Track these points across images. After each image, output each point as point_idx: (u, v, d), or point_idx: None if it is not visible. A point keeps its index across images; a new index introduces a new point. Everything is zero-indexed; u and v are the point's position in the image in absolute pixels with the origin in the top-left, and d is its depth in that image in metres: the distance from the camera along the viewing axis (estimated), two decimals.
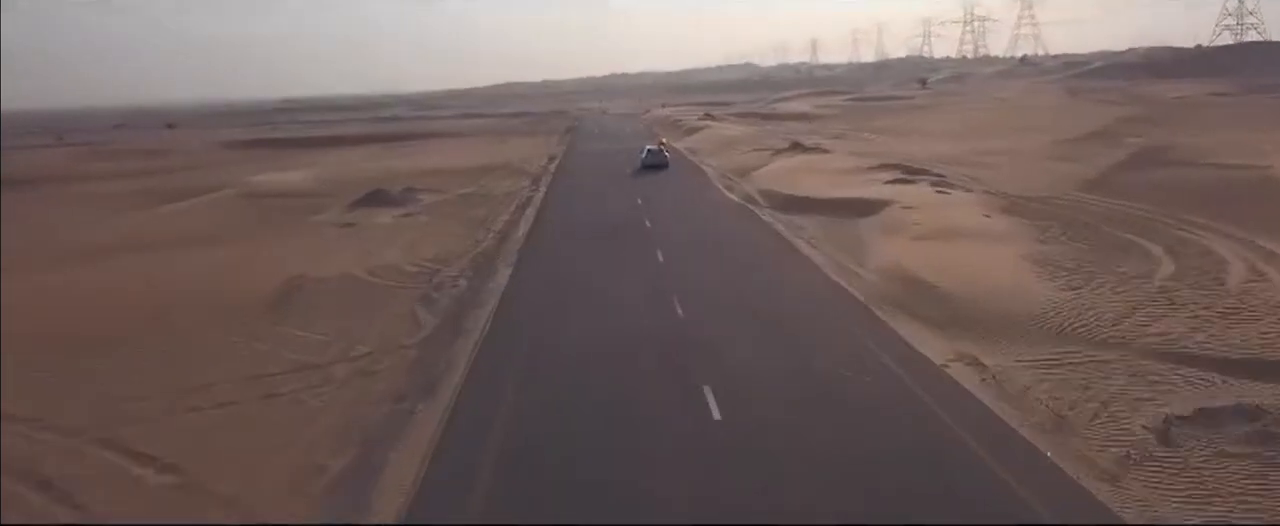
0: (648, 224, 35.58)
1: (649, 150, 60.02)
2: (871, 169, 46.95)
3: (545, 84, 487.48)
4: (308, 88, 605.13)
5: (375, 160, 71.79)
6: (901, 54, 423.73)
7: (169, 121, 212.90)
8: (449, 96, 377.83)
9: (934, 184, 40.40)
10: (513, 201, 44.90)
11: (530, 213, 40.96)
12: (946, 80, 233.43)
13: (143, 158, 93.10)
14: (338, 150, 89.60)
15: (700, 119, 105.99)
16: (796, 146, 60.42)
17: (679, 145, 77.46)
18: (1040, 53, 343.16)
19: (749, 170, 51.78)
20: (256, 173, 67.29)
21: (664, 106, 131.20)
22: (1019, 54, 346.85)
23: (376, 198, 45.80)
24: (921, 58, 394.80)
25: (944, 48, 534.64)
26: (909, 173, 44.05)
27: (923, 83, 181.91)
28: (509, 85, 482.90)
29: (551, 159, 69.53)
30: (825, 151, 57.86)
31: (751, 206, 39.78)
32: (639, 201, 42.11)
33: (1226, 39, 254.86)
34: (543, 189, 50.31)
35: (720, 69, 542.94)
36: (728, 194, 44.87)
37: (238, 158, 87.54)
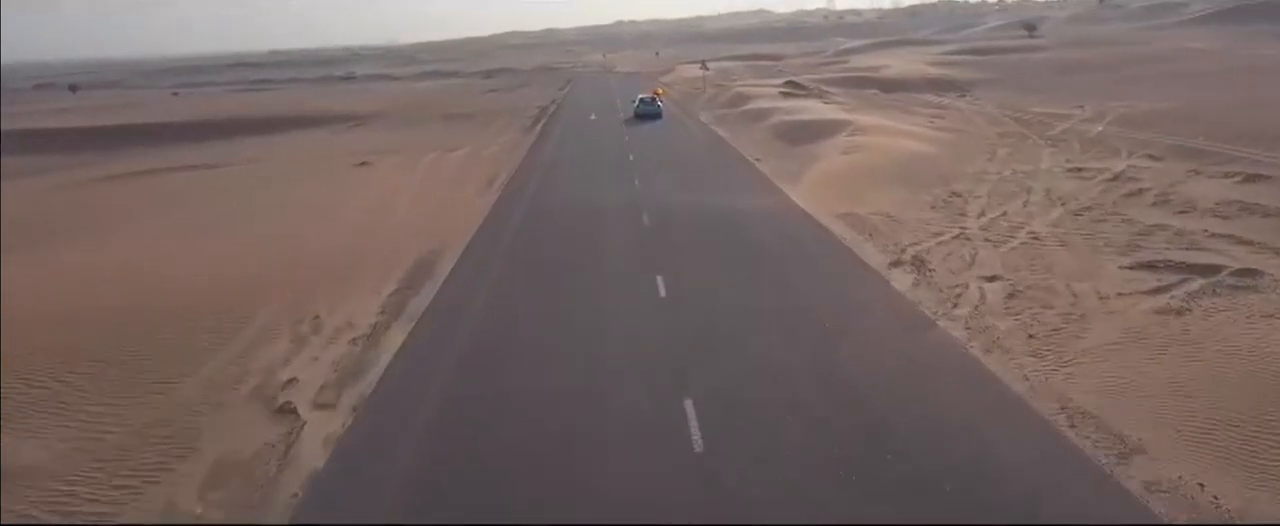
0: None
1: (641, 99, 50.48)
2: None
3: (546, 33, 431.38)
4: (317, 40, 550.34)
5: None
6: None
7: (72, 83, 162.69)
8: (445, 47, 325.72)
9: None
10: None
11: None
12: (1010, 25, 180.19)
13: None
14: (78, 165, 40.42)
15: (783, 93, 54.73)
16: None
17: (816, 209, 26.52)
18: None
19: None
20: None
21: (703, 66, 78.86)
22: None
23: None
24: (956, 2, 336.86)
25: None
26: None
27: (1030, 30, 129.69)
28: (510, 34, 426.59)
29: (422, 274, 19.50)
30: None
31: None
32: None
33: None
34: None
35: (731, 15, 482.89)
36: None
37: None
